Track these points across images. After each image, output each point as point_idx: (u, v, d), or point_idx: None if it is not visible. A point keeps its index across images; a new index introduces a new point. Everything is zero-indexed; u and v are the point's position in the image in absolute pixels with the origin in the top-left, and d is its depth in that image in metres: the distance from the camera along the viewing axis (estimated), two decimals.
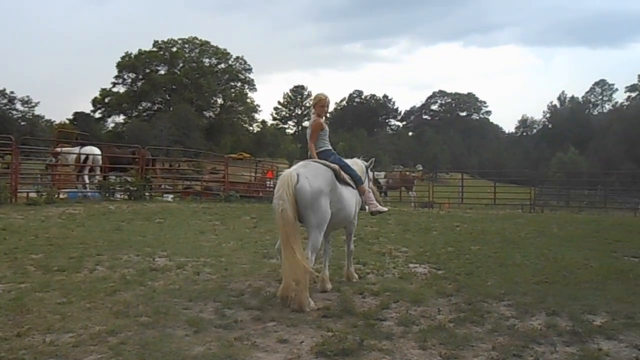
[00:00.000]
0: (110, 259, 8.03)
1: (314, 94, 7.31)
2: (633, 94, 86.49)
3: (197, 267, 7.70)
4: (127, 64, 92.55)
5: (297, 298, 5.81)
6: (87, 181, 18.64)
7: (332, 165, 6.57)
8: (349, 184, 6.77)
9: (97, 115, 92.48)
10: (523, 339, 4.97)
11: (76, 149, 18.93)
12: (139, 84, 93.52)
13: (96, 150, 18.63)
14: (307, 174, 6.11)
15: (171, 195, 21.04)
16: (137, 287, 6.49)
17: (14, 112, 78.56)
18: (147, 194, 18.65)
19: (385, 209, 7.68)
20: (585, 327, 5.29)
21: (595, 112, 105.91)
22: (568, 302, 6.14)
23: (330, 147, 7.15)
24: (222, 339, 4.82)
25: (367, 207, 7.28)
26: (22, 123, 74.64)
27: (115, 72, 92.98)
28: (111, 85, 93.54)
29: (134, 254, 8.46)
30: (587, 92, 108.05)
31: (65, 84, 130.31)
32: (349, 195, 6.73)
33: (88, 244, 9.15)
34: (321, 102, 7.19)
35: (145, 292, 6.31)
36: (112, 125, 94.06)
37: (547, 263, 8.55)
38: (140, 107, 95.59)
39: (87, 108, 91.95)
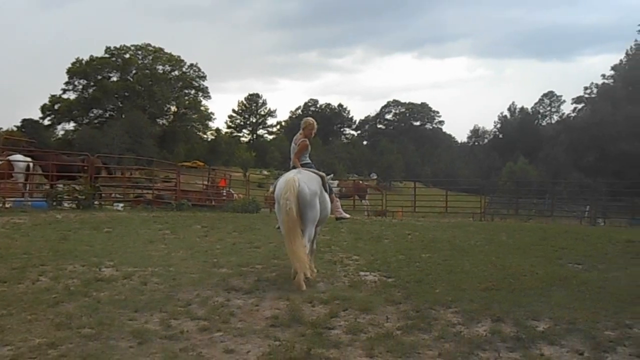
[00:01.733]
0: (55, 269, 7.82)
1: (304, 120, 8.47)
2: (579, 106, 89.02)
3: (145, 277, 7.56)
4: (77, 70, 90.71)
5: (296, 280, 7.09)
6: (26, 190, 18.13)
7: (320, 173, 7.98)
8: (326, 191, 8.05)
9: (47, 122, 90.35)
10: (468, 346, 5.04)
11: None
12: (90, 90, 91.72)
13: (19, 157, 18.01)
14: (305, 179, 7.46)
15: (121, 204, 20.65)
16: (81, 298, 6.33)
17: None
18: (96, 202, 18.26)
19: (348, 215, 9.00)
20: (528, 333, 5.39)
21: (544, 123, 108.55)
22: (513, 309, 6.24)
23: (310, 161, 8.37)
24: (167, 350, 4.75)
25: (334, 213, 8.68)
26: None
27: (66, 79, 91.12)
28: (61, 92, 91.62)
29: (80, 264, 8.25)
30: (536, 103, 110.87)
31: (13, 90, 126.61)
32: (327, 200, 8.04)
33: (32, 254, 8.88)
34: (310, 126, 8.38)
35: (89, 303, 6.16)
36: (62, 132, 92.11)
37: (495, 270, 8.68)
38: (92, 115, 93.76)
39: (36, 115, 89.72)
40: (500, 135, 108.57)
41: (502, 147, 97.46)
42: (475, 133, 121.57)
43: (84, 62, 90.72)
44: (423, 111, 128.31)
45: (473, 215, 25.93)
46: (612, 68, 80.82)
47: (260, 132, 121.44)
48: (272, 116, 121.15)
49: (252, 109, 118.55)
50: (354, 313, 6.05)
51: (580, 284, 7.75)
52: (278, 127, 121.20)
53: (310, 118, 8.57)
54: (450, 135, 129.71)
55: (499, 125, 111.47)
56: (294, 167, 8.06)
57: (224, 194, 25.84)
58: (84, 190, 17.56)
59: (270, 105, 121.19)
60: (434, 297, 6.76)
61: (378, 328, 5.54)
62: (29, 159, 18.20)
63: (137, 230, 12.57)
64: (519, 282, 7.75)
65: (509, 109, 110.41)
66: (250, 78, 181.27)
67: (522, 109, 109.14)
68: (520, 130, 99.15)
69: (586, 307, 6.38)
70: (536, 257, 10.22)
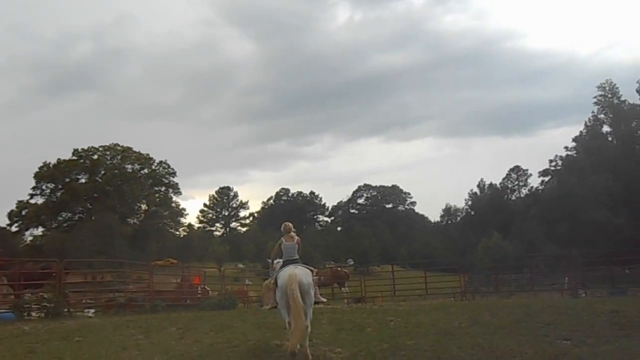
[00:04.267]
0: None
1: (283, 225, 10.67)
2: (546, 178, 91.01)
3: None
4: (45, 174, 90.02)
5: (304, 352, 8.76)
6: None
7: (310, 267, 9.91)
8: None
9: (14, 228, 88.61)
10: None
11: None
12: (59, 194, 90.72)
13: None
14: (302, 274, 9.25)
15: (92, 310, 19.96)
16: None
17: None
18: (65, 310, 17.60)
19: (324, 299, 10.64)
20: None
21: (513, 197, 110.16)
22: None
23: (298, 257, 10.01)
24: None
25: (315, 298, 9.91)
26: None
27: (33, 183, 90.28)
28: (28, 197, 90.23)
29: None
30: (504, 179, 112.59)
31: None
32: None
33: None
34: (286, 227, 10.56)
35: None
36: (31, 238, 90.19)
37: (483, 353, 8.43)
38: (60, 218, 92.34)
39: (3, 222, 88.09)
40: (472, 212, 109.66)
41: (474, 223, 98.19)
42: (448, 211, 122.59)
43: (51, 165, 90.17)
44: (394, 193, 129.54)
45: (454, 295, 25.64)
46: (574, 139, 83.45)
47: (233, 224, 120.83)
48: (244, 208, 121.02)
49: (223, 202, 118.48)
50: None
51: None
52: (251, 218, 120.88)
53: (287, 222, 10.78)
54: (423, 216, 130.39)
55: (470, 203, 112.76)
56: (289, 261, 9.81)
57: (199, 291, 25.24)
58: (52, 298, 16.95)
59: (242, 197, 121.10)
60: None
61: None
62: None
63: (110, 338, 12.03)
64: None
65: (478, 186, 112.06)
66: (220, 171, 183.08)
67: (491, 184, 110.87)
68: (491, 205, 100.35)
69: None
70: (523, 336, 9.99)
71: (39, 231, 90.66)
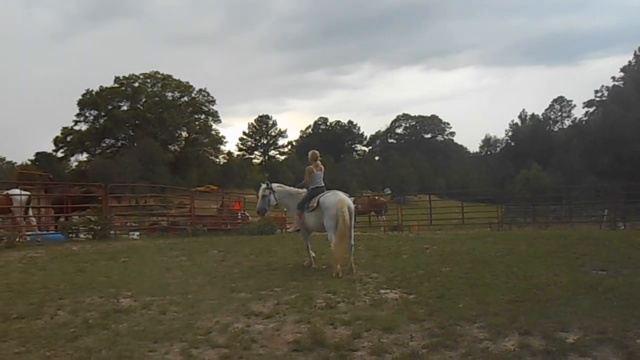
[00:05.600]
0: (73, 302, 7.76)
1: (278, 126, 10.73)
2: (590, 109, 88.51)
3: (163, 306, 7.48)
4: (88, 102, 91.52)
5: (350, 266, 9.85)
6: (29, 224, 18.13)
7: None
8: None
9: (60, 154, 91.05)
10: None
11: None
12: (102, 121, 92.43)
13: (17, 192, 17.96)
14: (347, 199, 10.30)
15: (137, 233, 20.64)
16: (100, 331, 6.26)
17: None
18: (112, 232, 18.25)
19: None
20: (558, 346, 5.25)
21: (556, 129, 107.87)
22: (540, 320, 6.08)
23: (323, 184, 10.75)
24: None
25: None
26: None
27: (77, 110, 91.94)
28: (73, 124, 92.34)
29: (98, 296, 8.19)
30: (546, 110, 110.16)
31: (25, 125, 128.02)
32: None
33: (49, 288, 8.84)
34: (314, 155, 10.92)
35: (108, 335, 6.09)
36: (76, 164, 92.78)
37: (517, 281, 8.51)
38: (104, 144, 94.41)
39: (49, 148, 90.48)
40: (513, 143, 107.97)
41: (514, 155, 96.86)
42: (487, 142, 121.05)
43: (94, 93, 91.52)
44: (433, 123, 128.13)
45: (490, 225, 25.65)
46: (622, 70, 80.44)
47: (272, 153, 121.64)
48: (282, 136, 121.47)
49: (262, 130, 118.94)
50: (377, 333, 5.93)
51: (606, 291, 7.56)
52: (289, 147, 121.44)
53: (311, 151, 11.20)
54: (462, 146, 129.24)
55: (510, 133, 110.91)
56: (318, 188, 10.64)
57: (239, 216, 25.76)
58: (98, 221, 17.55)
59: (281, 126, 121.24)
60: (458, 313, 6.62)
61: (403, 347, 5.43)
62: (27, 193, 18.19)
63: (154, 259, 12.51)
64: (544, 293, 7.58)
65: (519, 117, 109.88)
66: (259, 100, 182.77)
67: (532, 115, 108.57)
68: (532, 137, 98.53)
69: (615, 315, 6.20)
70: (558, 266, 10.01)
71: (83, 157, 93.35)
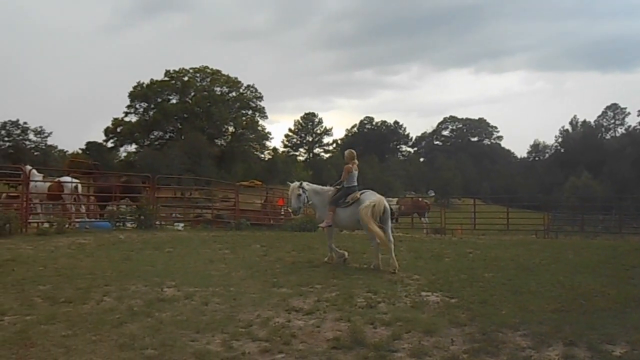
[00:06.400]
0: (118, 289, 7.93)
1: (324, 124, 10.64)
2: None
3: (206, 297, 7.58)
4: (139, 94, 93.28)
5: (392, 262, 10.14)
6: (79, 211, 18.56)
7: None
8: None
9: (110, 144, 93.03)
10: None
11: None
12: (151, 113, 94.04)
13: (69, 179, 18.36)
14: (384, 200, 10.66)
15: (182, 224, 20.96)
16: (144, 319, 6.38)
17: (28, 142, 79.09)
18: (157, 222, 18.58)
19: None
20: (604, 358, 5.13)
21: (608, 136, 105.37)
22: (586, 332, 5.94)
23: (357, 184, 11.10)
24: None
25: None
26: (36, 153, 74.97)
27: (128, 102, 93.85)
28: (123, 115, 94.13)
29: (142, 284, 8.36)
30: (599, 116, 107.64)
31: (77, 114, 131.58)
32: None
33: (96, 274, 9.06)
34: (352, 155, 11.31)
35: (152, 323, 6.20)
36: (125, 154, 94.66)
37: (563, 290, 8.32)
38: (152, 136, 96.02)
39: (100, 138, 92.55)
40: (562, 150, 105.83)
41: (564, 161, 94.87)
42: (536, 148, 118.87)
43: (144, 85, 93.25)
44: (481, 126, 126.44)
45: (536, 232, 25.18)
46: None
47: (317, 150, 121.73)
48: (328, 135, 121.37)
49: (308, 127, 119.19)
50: (418, 335, 5.89)
51: None
52: (334, 145, 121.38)
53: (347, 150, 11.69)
54: (509, 151, 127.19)
55: (560, 140, 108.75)
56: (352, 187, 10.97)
57: (282, 212, 25.91)
58: (145, 211, 17.88)
59: (326, 124, 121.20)
60: (500, 319, 6.52)
61: (443, 351, 5.37)
62: (77, 181, 18.63)
63: (198, 250, 12.69)
64: (591, 304, 7.40)
65: (570, 123, 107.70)
66: (306, 97, 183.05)
67: (584, 122, 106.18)
68: (583, 144, 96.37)
69: None
70: (607, 277, 9.75)
71: (132, 148, 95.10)
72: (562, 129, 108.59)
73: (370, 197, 10.54)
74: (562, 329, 6.03)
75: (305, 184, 11.71)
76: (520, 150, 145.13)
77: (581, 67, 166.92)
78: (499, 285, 8.75)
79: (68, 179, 18.22)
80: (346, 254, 11.13)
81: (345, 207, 10.80)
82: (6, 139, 77.88)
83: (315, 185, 11.86)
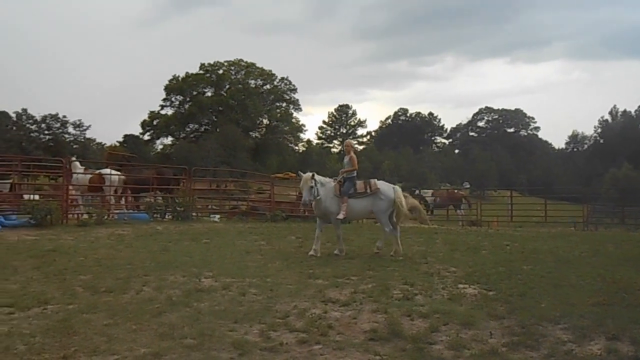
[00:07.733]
0: (157, 279, 8.06)
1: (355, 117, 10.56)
2: None
3: (243, 287, 7.65)
4: (174, 87, 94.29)
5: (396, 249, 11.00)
6: (118, 203, 18.87)
7: None
8: None
9: (146, 137, 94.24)
10: None
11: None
12: (186, 106, 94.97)
13: (108, 171, 18.63)
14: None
15: (218, 216, 21.15)
16: (183, 309, 6.47)
17: (67, 135, 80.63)
18: (193, 214, 18.78)
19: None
20: None
21: None
22: (629, 326, 5.81)
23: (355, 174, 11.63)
24: None
25: None
26: (75, 146, 76.32)
27: (164, 95, 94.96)
28: (159, 108, 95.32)
29: (180, 274, 8.47)
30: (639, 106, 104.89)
31: (115, 107, 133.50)
32: None
33: (135, 264, 9.22)
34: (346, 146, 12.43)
35: (190, 313, 6.29)
36: (161, 147, 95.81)
37: (605, 284, 8.16)
38: (188, 129, 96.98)
39: (137, 130, 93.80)
40: (602, 141, 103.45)
41: (603, 152, 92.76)
42: (574, 139, 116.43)
43: (180, 78, 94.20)
44: (517, 117, 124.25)
45: (575, 224, 24.72)
46: None
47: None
48: (362, 126, 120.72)
49: (342, 119, 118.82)
50: (455, 328, 5.84)
51: None
52: (368, 137, 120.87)
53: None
54: (546, 142, 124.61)
55: (599, 130, 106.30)
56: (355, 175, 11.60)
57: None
58: (182, 203, 18.10)
59: (360, 116, 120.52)
60: (540, 312, 6.42)
61: (482, 344, 5.32)
62: (118, 173, 18.94)
63: (234, 241, 12.82)
64: (634, 297, 7.24)
65: (610, 113, 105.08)
66: (339, 89, 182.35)
67: (624, 112, 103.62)
68: (624, 134, 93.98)
69: None
70: None
71: (168, 140, 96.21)
72: (601, 119, 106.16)
73: (389, 187, 11.40)
74: (604, 323, 5.91)
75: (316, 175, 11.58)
76: (558, 141, 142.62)
77: (619, 56, 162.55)
78: (537, 278, 8.63)
79: (108, 171, 18.55)
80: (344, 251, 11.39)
81: (360, 198, 11.12)
82: (46, 132, 79.50)
83: (319, 177, 11.69)
